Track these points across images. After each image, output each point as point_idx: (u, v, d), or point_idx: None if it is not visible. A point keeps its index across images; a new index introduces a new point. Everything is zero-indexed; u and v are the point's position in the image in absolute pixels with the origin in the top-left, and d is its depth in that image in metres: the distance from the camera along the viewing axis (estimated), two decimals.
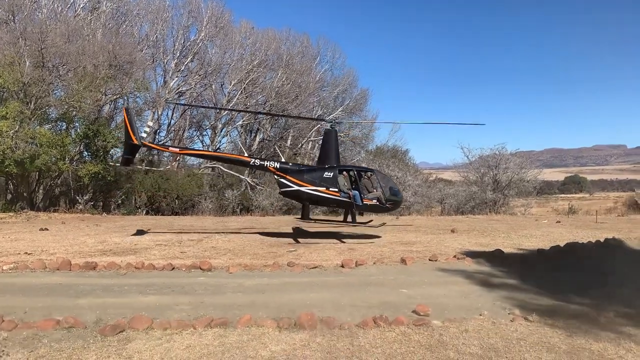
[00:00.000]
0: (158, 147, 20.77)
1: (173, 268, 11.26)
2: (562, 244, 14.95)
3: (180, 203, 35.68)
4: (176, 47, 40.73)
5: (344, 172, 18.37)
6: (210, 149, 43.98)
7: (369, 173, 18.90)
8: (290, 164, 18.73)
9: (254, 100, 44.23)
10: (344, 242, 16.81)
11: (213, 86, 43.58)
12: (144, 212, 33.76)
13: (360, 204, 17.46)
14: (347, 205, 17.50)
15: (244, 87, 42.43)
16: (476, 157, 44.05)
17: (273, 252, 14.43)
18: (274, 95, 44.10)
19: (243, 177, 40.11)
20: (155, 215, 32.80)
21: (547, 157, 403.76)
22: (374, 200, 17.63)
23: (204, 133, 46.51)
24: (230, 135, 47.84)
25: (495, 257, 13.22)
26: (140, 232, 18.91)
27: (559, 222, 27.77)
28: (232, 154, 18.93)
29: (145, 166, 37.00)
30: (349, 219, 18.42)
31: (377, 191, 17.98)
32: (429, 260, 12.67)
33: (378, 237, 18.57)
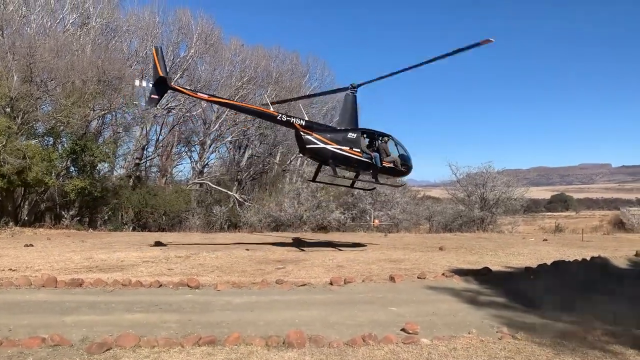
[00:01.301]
0: (185, 91, 19.84)
1: (160, 285, 11.17)
2: (549, 262, 15.05)
3: (167, 219, 35.46)
4: (166, 63, 40.72)
5: (364, 135, 18.77)
6: (198, 165, 43.93)
7: (385, 137, 19.34)
8: (314, 123, 19.10)
9: (243, 117, 44.28)
10: (332, 260, 16.78)
11: (202, 102, 43.61)
12: (131, 228, 33.48)
13: (380, 165, 17.94)
14: (367, 167, 17.86)
15: None
16: (464, 175, 44.39)
17: (261, 270, 14.38)
18: None
19: (231, 193, 40.04)
20: (142, 231, 32.56)
21: (534, 175, 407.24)
22: (391, 164, 18.22)
23: (193, 149, 46.42)
24: (218, 151, 47.82)
25: (483, 275, 13.28)
26: (159, 244, 19.00)
27: (546, 240, 28.01)
28: (259, 107, 18.83)
29: (133, 182, 36.83)
30: (359, 183, 19.14)
31: (393, 155, 18.47)
32: (418, 278, 12.70)
33: (363, 245, 18.58)
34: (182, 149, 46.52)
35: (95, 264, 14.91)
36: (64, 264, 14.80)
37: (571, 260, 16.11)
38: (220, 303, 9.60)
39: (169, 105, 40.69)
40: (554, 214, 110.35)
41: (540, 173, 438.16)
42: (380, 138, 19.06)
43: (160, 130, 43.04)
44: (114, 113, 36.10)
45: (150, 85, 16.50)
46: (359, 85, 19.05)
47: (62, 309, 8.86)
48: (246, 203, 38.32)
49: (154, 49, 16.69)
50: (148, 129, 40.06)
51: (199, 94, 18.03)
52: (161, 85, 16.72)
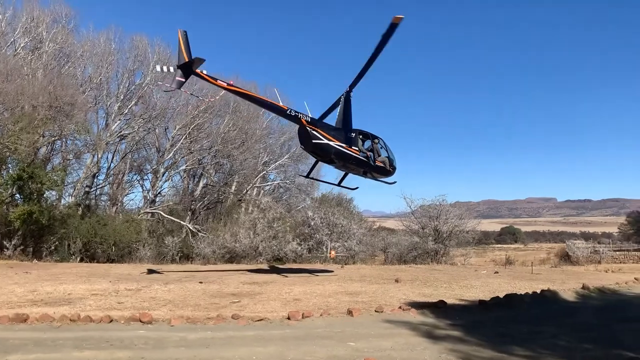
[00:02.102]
0: (208, 78, 19.21)
1: (111, 320, 10.70)
2: (501, 295, 15.35)
3: (117, 250, 34.27)
4: (120, 90, 40.15)
5: (361, 135, 19.78)
6: (150, 194, 42.95)
7: (377, 139, 20.34)
8: (317, 120, 19.59)
9: (199, 145, 43.85)
10: (289, 293, 16.58)
11: (157, 130, 42.99)
12: (78, 259, 32.20)
13: (373, 164, 19.15)
14: (362, 165, 18.79)
15: (189, 132, 42.06)
16: (418, 207, 45.20)
17: (216, 303, 14.04)
18: (220, 141, 43.92)
19: (184, 223, 39.21)
20: (91, 262, 31.35)
21: (484, 208, 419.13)
22: (382, 163, 19.41)
23: (145, 177, 45.42)
24: (172, 180, 46.97)
25: (438, 309, 13.39)
26: (151, 271, 18.31)
27: (497, 272, 28.65)
28: (272, 100, 18.98)
29: (82, 211, 35.62)
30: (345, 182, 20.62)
31: (383, 156, 19.73)
32: (375, 311, 12.68)
33: (329, 270, 18.46)
34: (134, 177, 45.51)
35: (40, 297, 14.19)
36: (7, 297, 14.03)
37: (523, 293, 16.47)
38: (175, 339, 9.27)
39: (122, 133, 39.89)
40: (504, 246, 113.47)
41: (490, 206, 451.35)
42: (373, 139, 19.98)
43: (112, 157, 42.08)
44: (64, 139, 35.05)
45: (172, 69, 16.51)
46: (352, 85, 19.87)
47: (6, 346, 8.34)
48: (200, 233, 37.58)
49: (179, 32, 16.41)
50: (100, 156, 39.03)
51: (218, 81, 17.84)
52: (186, 69, 16.63)
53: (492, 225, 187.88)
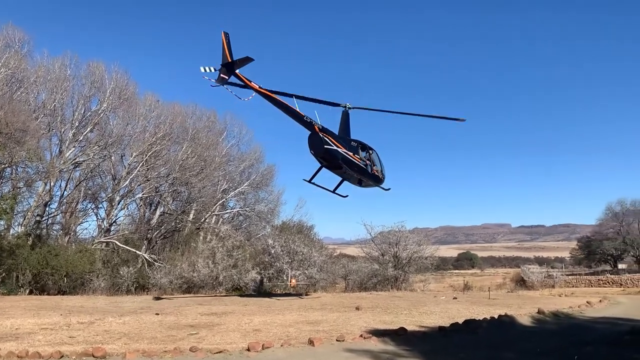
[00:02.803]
0: (244, 79, 19.21)
1: (62, 356, 10.22)
2: (460, 321, 15.52)
3: (69, 281, 32.94)
4: (75, 116, 39.20)
5: (360, 145, 20.96)
6: (105, 223, 41.74)
7: (371, 150, 21.54)
8: (326, 128, 20.36)
9: (156, 173, 43.06)
10: (248, 324, 16.27)
11: (113, 157, 42.06)
12: (27, 291, 30.78)
13: (370, 172, 20.32)
14: (361, 172, 19.72)
15: (146, 159, 41.32)
16: (378, 233, 45.55)
17: (173, 336, 13.63)
18: (178, 168, 43.30)
19: (140, 252, 38.14)
20: (41, 294, 30.05)
21: (442, 234, 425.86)
22: (375, 172, 20.52)
23: (100, 205, 44.13)
24: (128, 208, 45.77)
25: (399, 336, 13.41)
26: (157, 298, 17.68)
27: (456, 298, 29.01)
28: (294, 107, 19.31)
29: (33, 241, 34.22)
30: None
31: (377, 165, 20.78)
32: (337, 340, 12.57)
33: (298, 295, 18.22)
34: (89, 205, 44.13)
35: None
36: None
37: (481, 318, 16.70)
38: None
39: (76, 160, 38.83)
40: (461, 271, 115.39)
41: (448, 232, 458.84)
42: (369, 149, 21.32)
43: (66, 185, 40.78)
44: (14, 167, 33.83)
45: (213, 69, 16.76)
46: (352, 108, 21.25)
47: None
48: (156, 263, 36.58)
49: (222, 35, 16.81)
50: (52, 184, 37.77)
51: (252, 83, 18.10)
52: (229, 69, 17.22)
53: (450, 251, 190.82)
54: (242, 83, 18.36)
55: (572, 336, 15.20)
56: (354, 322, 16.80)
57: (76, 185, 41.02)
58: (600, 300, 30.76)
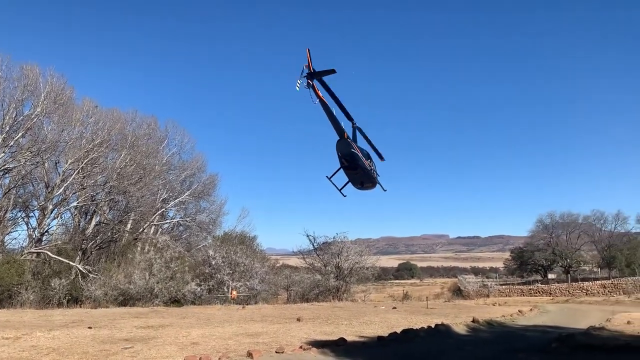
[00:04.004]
0: (315, 89, 19.35)
1: None
2: (399, 331, 15.81)
3: None
4: (6, 120, 37.22)
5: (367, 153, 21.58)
6: (36, 232, 39.80)
7: (370, 157, 22.04)
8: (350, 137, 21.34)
9: (92, 181, 41.50)
10: (186, 337, 15.92)
11: (46, 164, 40.22)
12: None
13: (372, 176, 20.85)
14: (368, 175, 20.37)
15: (82, 167, 39.78)
16: (320, 244, 45.81)
17: (106, 350, 13.14)
18: (116, 177, 41.92)
19: (73, 263, 36.57)
20: None
21: (383, 244, 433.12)
22: (375, 176, 21.08)
23: (31, 214, 42.03)
24: (62, 217, 43.83)
25: (339, 347, 13.49)
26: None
27: (395, 308, 29.51)
28: (337, 118, 20.00)
29: None
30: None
31: (373, 167, 21.23)
32: (276, 352, 12.49)
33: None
34: (19, 214, 41.91)
35: None
36: None
37: (418, 328, 17.06)
38: None
39: (6, 166, 36.90)
40: (402, 281, 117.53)
41: (389, 242, 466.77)
42: (369, 156, 22.08)
43: None
44: None
45: (300, 83, 17.28)
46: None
47: None
48: (91, 275, 35.19)
49: (307, 50, 17.41)
50: None
51: (319, 92, 18.63)
52: (311, 77, 17.57)
53: (391, 261, 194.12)
54: (312, 89, 19.65)
55: (505, 344, 15.77)
56: (294, 333, 16.76)
57: (5, 193, 38.87)
58: (531, 309, 32.18)
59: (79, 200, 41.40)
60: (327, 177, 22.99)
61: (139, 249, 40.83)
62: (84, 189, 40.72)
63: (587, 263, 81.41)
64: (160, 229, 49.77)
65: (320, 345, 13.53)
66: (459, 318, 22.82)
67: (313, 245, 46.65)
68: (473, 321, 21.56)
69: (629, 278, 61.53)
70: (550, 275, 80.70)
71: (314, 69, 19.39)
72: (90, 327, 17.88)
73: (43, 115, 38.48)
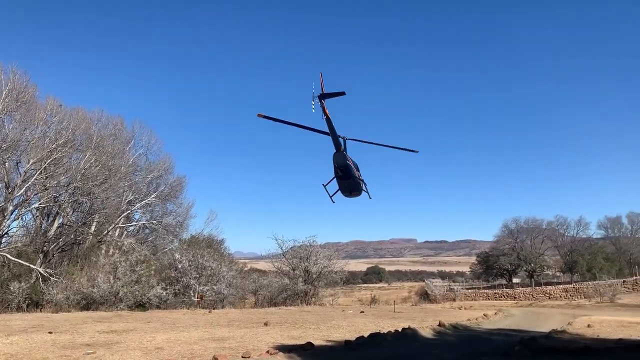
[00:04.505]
0: (324, 107, 19.55)
1: None
2: (366, 335, 15.82)
3: None
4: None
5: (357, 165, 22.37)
6: None
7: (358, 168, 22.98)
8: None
9: (56, 182, 40.39)
10: (151, 342, 15.58)
11: (7, 164, 38.95)
12: None
13: (361, 187, 21.47)
14: (357, 185, 21.02)
15: (45, 167, 38.69)
16: (289, 248, 45.65)
17: (66, 356, 12.74)
18: (80, 177, 40.90)
19: (34, 266, 35.51)
20: None
21: (352, 248, 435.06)
22: (363, 185, 21.56)
23: None
24: (22, 219, 42.56)
25: (306, 351, 13.41)
26: None
27: (363, 312, 29.57)
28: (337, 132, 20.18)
29: None
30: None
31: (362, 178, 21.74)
32: (242, 357, 12.33)
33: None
34: None
35: None
36: None
37: (386, 332, 17.11)
38: None
39: None
40: (370, 285, 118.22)
41: (358, 246, 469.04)
42: (358, 167, 22.31)
43: None
44: None
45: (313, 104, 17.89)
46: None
47: None
48: (52, 278, 34.23)
49: (320, 73, 18.37)
50: None
51: (326, 109, 18.99)
52: (322, 97, 18.37)
53: (360, 265, 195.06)
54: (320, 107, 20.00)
55: (470, 348, 15.95)
56: (261, 337, 16.59)
57: None
58: (495, 313, 32.73)
59: (41, 201, 40.21)
60: (323, 184, 23.59)
61: (103, 251, 39.88)
62: (46, 189, 39.59)
63: (550, 267, 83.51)
64: (125, 232, 48.79)
65: (287, 349, 13.41)
66: (425, 322, 23.01)
67: (282, 249, 46.46)
68: (439, 325, 21.76)
69: (589, 282, 63.28)
70: (515, 280, 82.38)
71: (325, 91, 20.45)
72: (50, 332, 17.34)
73: (4, 113, 37.31)
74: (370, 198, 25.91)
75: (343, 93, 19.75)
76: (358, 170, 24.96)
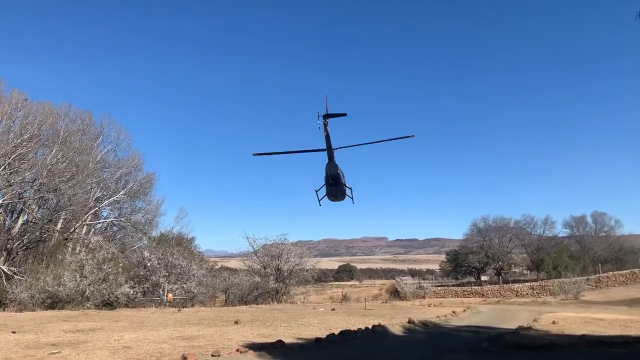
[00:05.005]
0: (325, 125, 19.30)
1: None
2: (336, 332, 15.87)
3: None
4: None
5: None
6: None
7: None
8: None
9: (20, 178, 39.33)
10: (118, 341, 15.32)
11: None
12: None
13: (347, 193, 21.25)
14: (343, 191, 20.83)
15: (9, 162, 37.64)
16: (260, 246, 45.51)
17: (30, 356, 12.42)
18: (46, 173, 39.91)
19: None
20: None
21: (324, 246, 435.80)
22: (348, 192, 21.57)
23: None
24: None
25: (276, 349, 13.39)
26: None
27: (334, 309, 29.69)
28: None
29: None
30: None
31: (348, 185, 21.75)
32: (212, 355, 12.22)
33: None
34: None
35: None
36: None
37: (356, 329, 17.21)
38: None
39: None
40: (341, 283, 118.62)
41: (329, 244, 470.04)
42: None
43: None
44: None
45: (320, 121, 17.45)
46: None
47: None
48: (16, 276, 33.37)
49: (325, 96, 17.69)
50: None
51: (327, 126, 18.71)
52: (326, 117, 17.88)
53: (331, 263, 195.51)
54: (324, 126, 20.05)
55: (439, 344, 16.17)
56: (231, 336, 16.48)
57: None
58: (464, 310, 33.24)
59: (5, 197, 39.11)
60: (315, 190, 23.80)
61: (69, 249, 39.12)
62: (10, 185, 38.53)
63: (518, 265, 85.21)
64: (93, 229, 47.89)
65: (257, 347, 13.36)
66: (395, 319, 23.22)
67: (253, 247, 46.29)
68: (409, 322, 22.01)
69: (555, 280, 64.75)
70: (483, 277, 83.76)
71: (328, 112, 20.88)
72: (14, 332, 16.90)
73: None
74: (353, 203, 26.34)
75: (344, 114, 20.31)
76: (344, 177, 25.66)
